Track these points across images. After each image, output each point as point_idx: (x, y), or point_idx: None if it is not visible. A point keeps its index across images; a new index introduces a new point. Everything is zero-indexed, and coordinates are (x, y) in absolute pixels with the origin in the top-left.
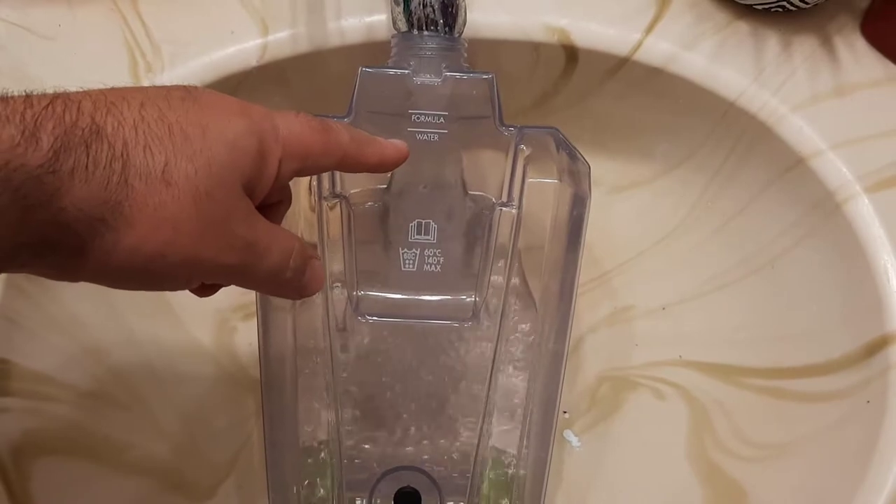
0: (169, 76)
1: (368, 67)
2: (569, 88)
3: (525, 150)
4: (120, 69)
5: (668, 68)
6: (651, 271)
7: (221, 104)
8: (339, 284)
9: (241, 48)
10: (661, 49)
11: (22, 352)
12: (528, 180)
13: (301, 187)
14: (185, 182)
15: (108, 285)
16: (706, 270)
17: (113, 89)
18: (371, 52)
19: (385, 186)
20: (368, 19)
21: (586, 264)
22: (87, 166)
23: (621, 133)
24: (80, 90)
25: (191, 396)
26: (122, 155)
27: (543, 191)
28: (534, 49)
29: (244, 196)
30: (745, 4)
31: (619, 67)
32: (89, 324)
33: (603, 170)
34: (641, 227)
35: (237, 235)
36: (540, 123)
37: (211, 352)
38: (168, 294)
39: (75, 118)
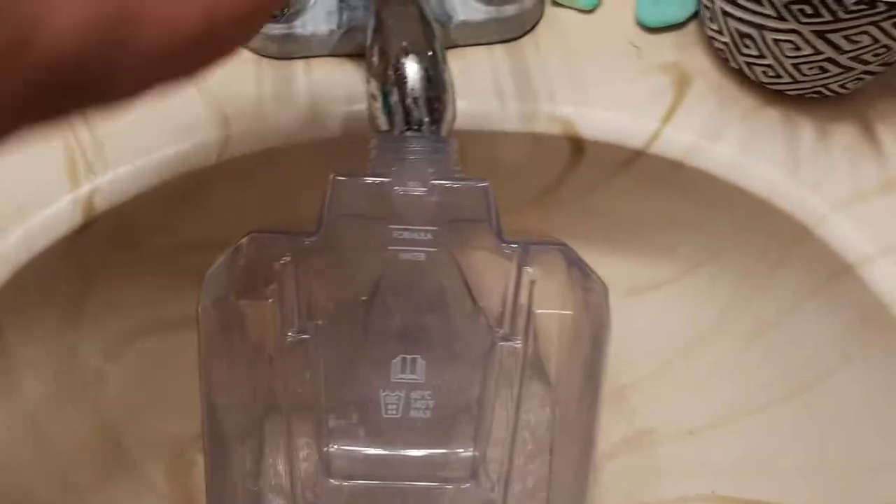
0: (113, 176)
1: (341, 175)
2: (574, 182)
3: (530, 271)
4: (56, 168)
5: (690, 161)
6: (674, 387)
7: None
8: (305, 438)
9: (198, 143)
10: (680, 140)
11: None
12: (536, 311)
13: (266, 314)
14: None
15: None
16: (739, 388)
17: None
18: (350, 147)
19: (363, 313)
20: (346, 109)
21: None
22: None
23: (635, 230)
24: None
25: None
26: None
27: (552, 320)
28: (534, 140)
29: None
30: (776, 90)
31: (633, 160)
32: (13, 469)
33: (614, 269)
34: (661, 334)
35: None
36: (540, 219)
37: (162, 492)
38: (114, 420)
39: None
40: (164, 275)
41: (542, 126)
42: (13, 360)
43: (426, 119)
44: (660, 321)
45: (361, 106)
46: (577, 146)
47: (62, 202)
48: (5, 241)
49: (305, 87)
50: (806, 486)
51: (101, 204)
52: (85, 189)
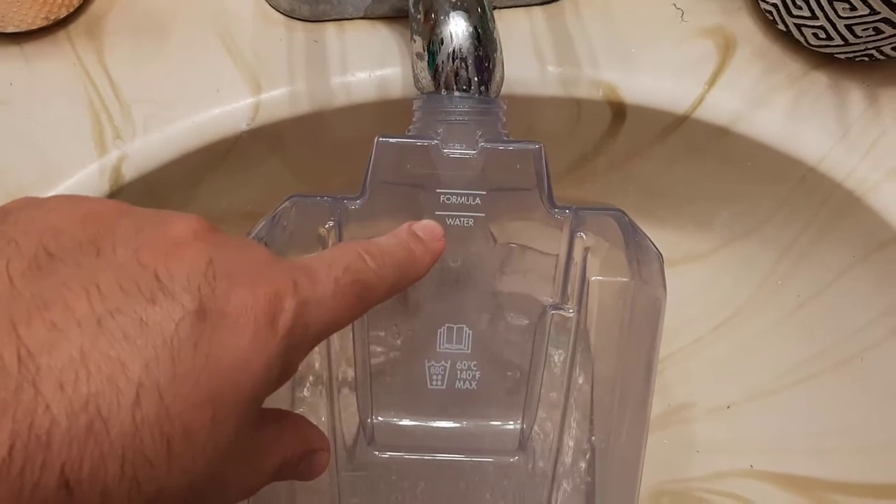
0: (141, 143)
1: (386, 136)
2: (612, 150)
3: (584, 237)
4: (83, 135)
5: (735, 128)
6: (711, 362)
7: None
8: (349, 409)
9: (228, 109)
10: (726, 105)
11: None
12: (591, 278)
13: None
14: None
15: None
16: (778, 362)
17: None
18: (383, 112)
19: None
20: (379, 73)
21: None
22: None
23: (672, 200)
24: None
25: None
26: None
27: (604, 291)
28: (575, 105)
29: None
30: (825, 53)
31: (675, 127)
32: None
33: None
34: (697, 308)
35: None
36: (575, 189)
37: None
38: None
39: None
40: None
41: (583, 91)
42: None
43: (475, 79)
44: (695, 294)
45: (396, 70)
46: (618, 112)
47: (89, 169)
48: None
49: (338, 50)
50: (844, 460)
51: (129, 172)
52: (112, 156)
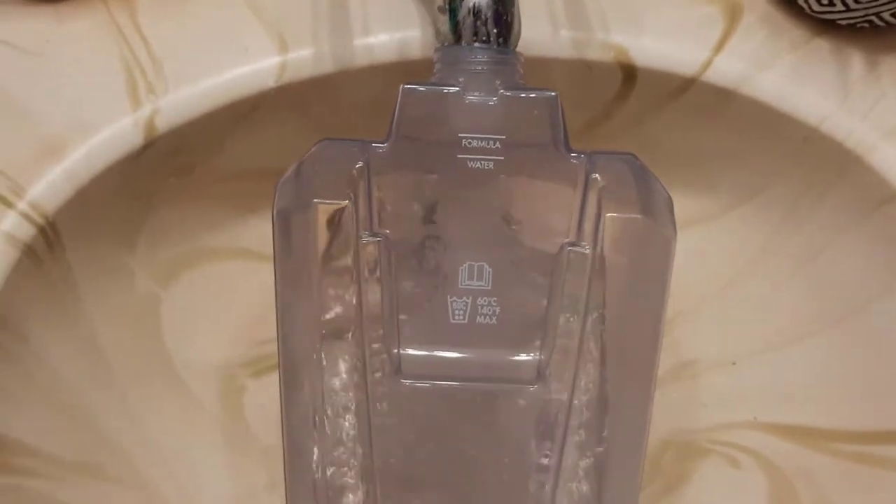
0: (174, 98)
1: (412, 84)
2: (623, 112)
3: (599, 180)
4: (117, 89)
5: (741, 90)
6: (717, 320)
7: None
8: (376, 341)
9: (256, 67)
10: (732, 69)
11: None
12: (606, 215)
13: (339, 218)
14: None
15: None
16: (782, 319)
17: None
18: (404, 71)
19: (432, 220)
20: (400, 35)
21: None
22: None
23: (681, 163)
24: None
25: (191, 467)
26: None
27: (617, 228)
28: (587, 68)
29: None
30: (827, 20)
31: (684, 89)
32: (75, 386)
33: None
34: (705, 268)
35: None
36: (587, 150)
37: (215, 415)
38: (169, 348)
39: None
40: (217, 202)
41: (594, 53)
42: (76, 279)
43: (493, 31)
44: (703, 255)
45: (416, 32)
46: (629, 74)
47: (123, 122)
48: (69, 159)
49: (360, 12)
50: (845, 409)
51: (162, 125)
52: (146, 109)
